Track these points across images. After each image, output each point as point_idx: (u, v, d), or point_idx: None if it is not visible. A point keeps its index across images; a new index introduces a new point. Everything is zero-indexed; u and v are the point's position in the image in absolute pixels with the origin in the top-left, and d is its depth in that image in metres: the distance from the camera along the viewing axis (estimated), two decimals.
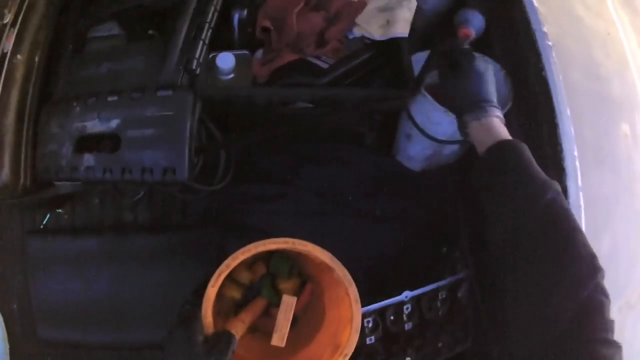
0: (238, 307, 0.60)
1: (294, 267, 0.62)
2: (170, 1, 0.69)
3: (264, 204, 0.75)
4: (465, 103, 0.57)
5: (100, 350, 0.84)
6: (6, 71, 0.67)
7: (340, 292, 0.51)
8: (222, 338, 0.46)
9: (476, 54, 0.60)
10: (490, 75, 0.59)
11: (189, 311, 0.47)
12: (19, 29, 0.70)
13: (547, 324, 0.40)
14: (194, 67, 0.62)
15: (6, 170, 0.65)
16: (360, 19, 0.74)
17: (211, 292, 0.47)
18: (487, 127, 0.54)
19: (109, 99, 0.62)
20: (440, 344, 0.63)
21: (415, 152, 0.77)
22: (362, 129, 0.81)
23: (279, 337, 0.49)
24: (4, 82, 0.67)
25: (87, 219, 0.88)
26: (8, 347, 0.82)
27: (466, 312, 0.65)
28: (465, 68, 0.58)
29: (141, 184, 0.80)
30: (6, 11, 0.70)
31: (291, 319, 0.50)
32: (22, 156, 0.68)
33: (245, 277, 0.60)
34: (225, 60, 0.68)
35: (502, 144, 0.52)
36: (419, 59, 0.69)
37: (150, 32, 0.69)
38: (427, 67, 0.61)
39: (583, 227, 0.66)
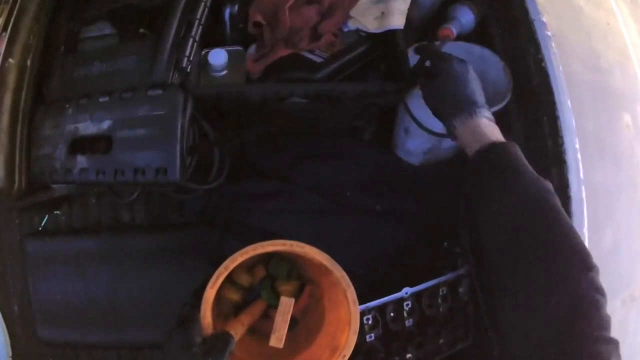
0: (237, 310, 0.60)
1: (293, 269, 0.61)
2: None
3: (262, 202, 0.75)
4: (447, 108, 0.55)
5: (101, 350, 0.85)
6: None
7: (339, 294, 0.51)
8: (221, 339, 0.46)
9: (451, 55, 0.58)
10: (472, 75, 0.57)
11: (189, 312, 0.47)
12: (10, 33, 0.69)
13: (543, 324, 0.40)
14: (184, 65, 0.61)
15: (1, 174, 0.65)
16: (354, 12, 0.72)
17: (210, 293, 0.46)
18: (473, 129, 0.53)
19: (101, 99, 0.62)
20: (441, 341, 0.62)
21: (414, 147, 0.76)
22: (360, 124, 0.80)
23: (277, 338, 0.48)
24: None
25: (84, 220, 0.88)
26: (10, 348, 0.82)
27: (467, 309, 0.64)
28: (441, 72, 0.56)
29: (134, 185, 0.80)
30: None
31: (289, 320, 0.49)
32: (17, 159, 0.68)
33: (244, 279, 0.60)
34: (218, 57, 0.67)
35: (490, 147, 0.50)
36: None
37: (142, 30, 0.68)
38: (422, 60, 0.60)
39: (585, 221, 0.66)
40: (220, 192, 0.76)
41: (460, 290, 0.64)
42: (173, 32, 0.60)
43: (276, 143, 0.77)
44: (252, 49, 0.74)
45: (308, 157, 0.77)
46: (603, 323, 0.39)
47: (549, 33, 0.74)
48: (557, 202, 0.46)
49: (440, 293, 0.63)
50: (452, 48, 0.72)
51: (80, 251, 0.82)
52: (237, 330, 0.50)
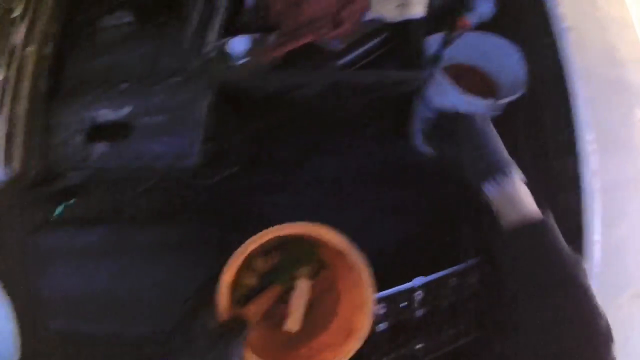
0: (253, 295, 0.60)
1: (309, 253, 0.62)
2: None
3: (266, 196, 0.75)
4: (477, 172, 0.52)
5: (106, 344, 0.85)
6: (18, 63, 0.68)
7: (355, 276, 0.51)
8: (237, 323, 0.46)
9: (469, 116, 0.55)
10: (492, 129, 0.54)
11: (200, 299, 0.48)
12: (29, 22, 0.70)
13: None
14: (206, 52, 0.61)
15: (16, 161, 0.66)
16: (375, 0, 0.72)
17: (228, 276, 0.46)
18: (510, 197, 0.51)
19: (120, 87, 0.62)
20: (450, 332, 0.63)
21: None
22: (369, 116, 0.80)
23: (293, 321, 0.49)
24: (15, 74, 0.68)
25: (88, 212, 0.88)
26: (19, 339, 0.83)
27: (476, 301, 0.64)
28: (462, 134, 0.53)
29: (153, 171, 0.80)
30: (14, 5, 0.70)
31: (305, 303, 0.50)
32: (34, 146, 0.68)
33: (260, 264, 0.60)
34: (239, 44, 0.66)
35: (529, 227, 0.49)
36: (434, 40, 0.67)
37: (162, 18, 0.68)
38: (443, 47, 0.59)
39: (599, 215, 0.66)
40: (224, 186, 0.76)
41: (469, 281, 0.64)
42: (196, 18, 0.60)
43: (285, 135, 0.77)
44: (273, 36, 0.73)
45: (314, 151, 0.77)
46: None
47: (565, 25, 0.73)
48: (587, 279, 0.47)
49: (450, 284, 0.64)
50: (469, 38, 0.72)
51: (84, 244, 0.82)
52: (253, 314, 0.51)
